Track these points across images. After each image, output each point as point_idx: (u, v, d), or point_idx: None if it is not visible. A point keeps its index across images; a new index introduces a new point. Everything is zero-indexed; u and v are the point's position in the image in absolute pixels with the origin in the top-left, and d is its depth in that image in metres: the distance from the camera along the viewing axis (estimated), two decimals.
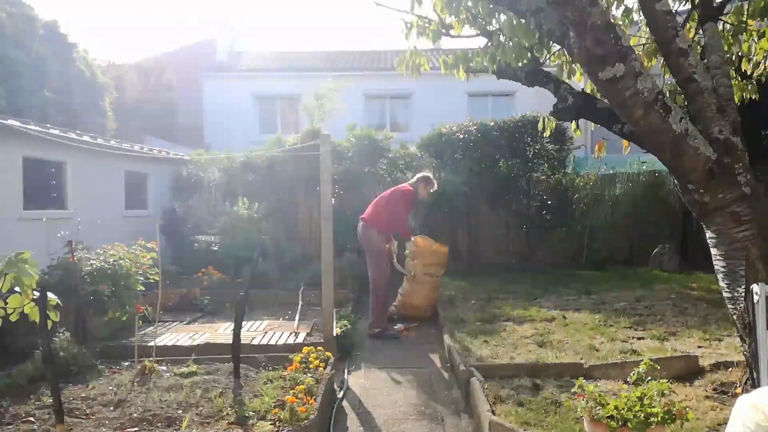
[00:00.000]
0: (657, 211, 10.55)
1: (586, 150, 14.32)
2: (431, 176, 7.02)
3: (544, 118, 5.06)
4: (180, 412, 3.69)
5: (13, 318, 2.82)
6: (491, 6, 4.14)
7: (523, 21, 3.88)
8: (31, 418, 3.61)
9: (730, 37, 4.45)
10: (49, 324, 3.04)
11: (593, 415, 3.02)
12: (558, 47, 4.39)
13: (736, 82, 4.82)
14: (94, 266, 5.59)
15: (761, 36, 4.44)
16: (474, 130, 10.51)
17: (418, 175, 6.98)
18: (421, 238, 7.07)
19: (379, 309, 6.42)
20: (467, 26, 4.46)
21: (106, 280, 5.55)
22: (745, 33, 4.45)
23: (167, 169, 10.80)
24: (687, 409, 2.98)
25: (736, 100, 4.66)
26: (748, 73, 4.68)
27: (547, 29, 3.63)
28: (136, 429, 3.46)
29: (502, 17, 4.18)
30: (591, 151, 13.71)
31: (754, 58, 4.58)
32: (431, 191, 6.97)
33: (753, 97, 4.79)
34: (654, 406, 2.93)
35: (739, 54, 4.63)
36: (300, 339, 5.64)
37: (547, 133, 5.08)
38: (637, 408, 2.93)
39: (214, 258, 9.06)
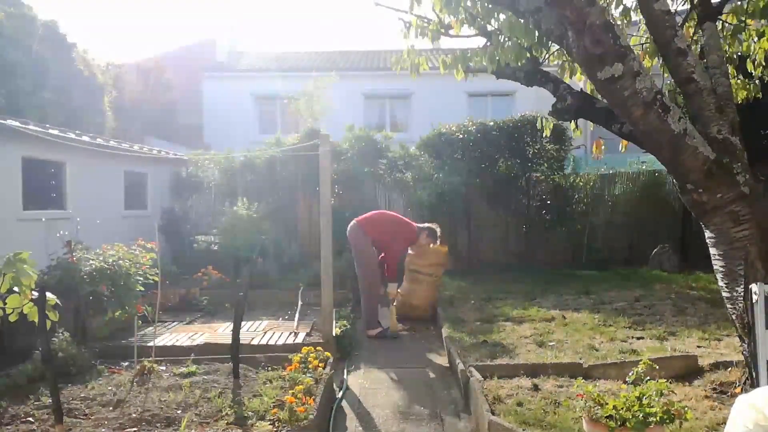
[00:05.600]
0: (657, 211, 10.55)
1: (586, 150, 14.30)
2: (439, 233, 6.89)
3: (542, 118, 5.06)
4: (179, 412, 3.69)
5: (12, 318, 2.81)
6: (490, 6, 4.14)
7: (522, 21, 3.87)
8: (30, 419, 3.61)
9: (729, 37, 4.45)
10: (49, 324, 3.04)
11: (592, 415, 3.02)
12: (557, 47, 4.38)
13: (739, 81, 4.81)
14: (94, 266, 5.58)
15: (761, 35, 4.44)
16: (473, 130, 10.51)
17: (429, 225, 6.90)
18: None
19: (369, 310, 6.41)
20: (466, 26, 4.45)
21: (105, 280, 5.54)
22: (744, 32, 4.45)
23: (167, 169, 10.79)
24: (686, 408, 2.98)
25: (739, 99, 4.67)
26: (754, 73, 4.67)
27: (546, 29, 3.62)
28: (135, 429, 3.46)
29: (501, 17, 4.18)
30: (590, 150, 13.71)
31: (757, 57, 4.58)
32: (431, 244, 6.87)
33: (756, 96, 4.79)
34: (653, 406, 2.92)
35: (740, 54, 4.63)
36: (299, 339, 5.65)
37: (546, 133, 5.08)
38: (635, 408, 2.92)
39: (214, 258, 9.06)
